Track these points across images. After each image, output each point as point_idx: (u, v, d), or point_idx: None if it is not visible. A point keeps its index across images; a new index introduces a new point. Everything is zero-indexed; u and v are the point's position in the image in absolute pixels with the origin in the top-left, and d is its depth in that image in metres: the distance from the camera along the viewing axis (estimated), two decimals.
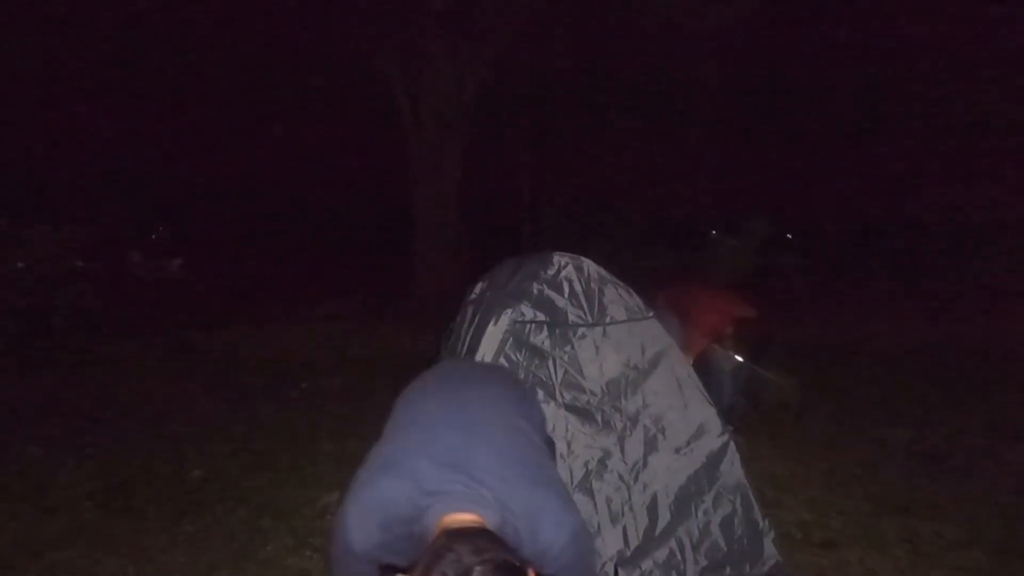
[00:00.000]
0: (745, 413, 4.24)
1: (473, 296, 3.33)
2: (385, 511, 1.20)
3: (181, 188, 13.18)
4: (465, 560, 1.04)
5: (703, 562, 2.26)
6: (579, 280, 2.68)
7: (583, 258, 2.75)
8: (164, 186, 13.04)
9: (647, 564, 2.23)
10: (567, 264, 2.71)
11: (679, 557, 2.26)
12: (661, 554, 2.25)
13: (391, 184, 11.76)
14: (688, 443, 2.44)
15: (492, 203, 12.85)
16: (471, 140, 10.05)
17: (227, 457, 3.70)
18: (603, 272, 2.72)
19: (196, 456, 3.70)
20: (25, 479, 3.35)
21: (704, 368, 3.63)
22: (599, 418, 2.45)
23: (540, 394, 2.43)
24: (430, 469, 1.23)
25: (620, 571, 2.19)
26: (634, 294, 2.70)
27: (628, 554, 2.23)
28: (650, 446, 2.43)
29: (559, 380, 2.48)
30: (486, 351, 2.45)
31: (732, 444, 2.46)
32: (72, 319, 6.85)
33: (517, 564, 1.10)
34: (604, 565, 2.20)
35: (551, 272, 2.69)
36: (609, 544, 2.24)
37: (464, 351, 2.74)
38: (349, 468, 3.52)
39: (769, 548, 2.33)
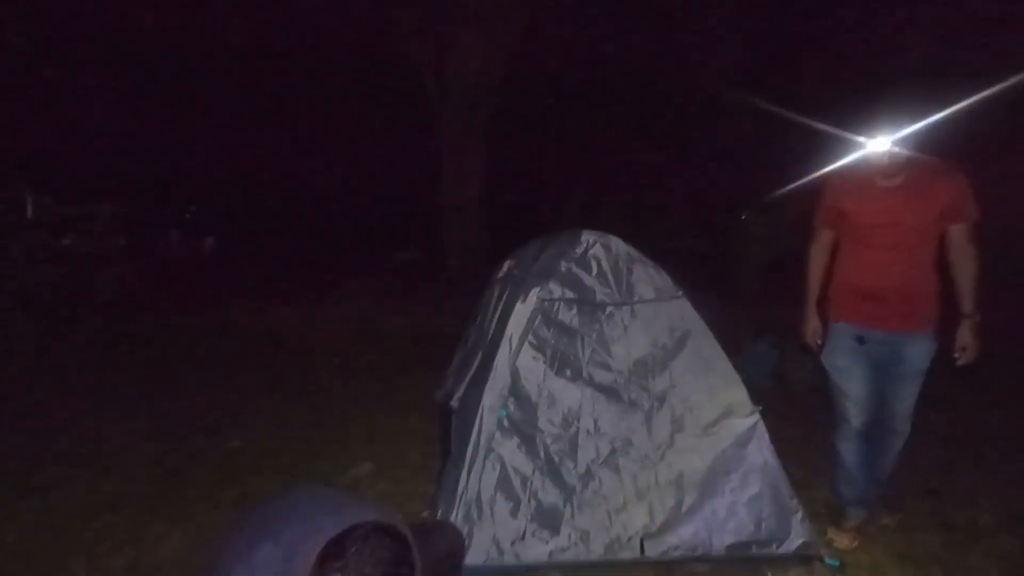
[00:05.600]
0: (775, 394, 4.20)
1: (501, 274, 3.36)
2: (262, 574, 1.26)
3: (213, 168, 13.46)
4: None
5: (729, 540, 2.27)
6: (607, 258, 2.68)
7: (611, 236, 2.74)
8: (197, 166, 13.35)
9: (672, 539, 2.25)
10: (595, 242, 2.71)
11: (705, 535, 2.28)
12: (686, 530, 2.27)
13: (419, 164, 11.81)
14: (716, 422, 2.44)
15: (518, 183, 12.82)
16: (497, 120, 10.05)
17: (262, 430, 3.84)
18: (632, 250, 2.71)
19: (233, 428, 3.85)
20: (80, 447, 3.54)
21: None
22: (626, 397, 2.46)
23: (568, 372, 2.46)
24: (286, 535, 1.29)
25: (646, 544, 2.22)
26: (663, 273, 2.68)
27: (654, 529, 2.26)
28: (677, 425, 2.44)
29: (586, 359, 2.50)
30: (514, 329, 2.48)
31: (761, 424, 2.44)
32: (115, 297, 7.12)
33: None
34: (630, 539, 2.23)
35: (579, 250, 2.69)
36: (635, 519, 2.27)
37: (492, 329, 2.77)
38: (379, 443, 3.64)
39: (797, 528, 2.32)
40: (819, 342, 2.67)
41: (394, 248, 12.21)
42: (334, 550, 1.19)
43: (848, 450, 2.59)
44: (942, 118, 2.41)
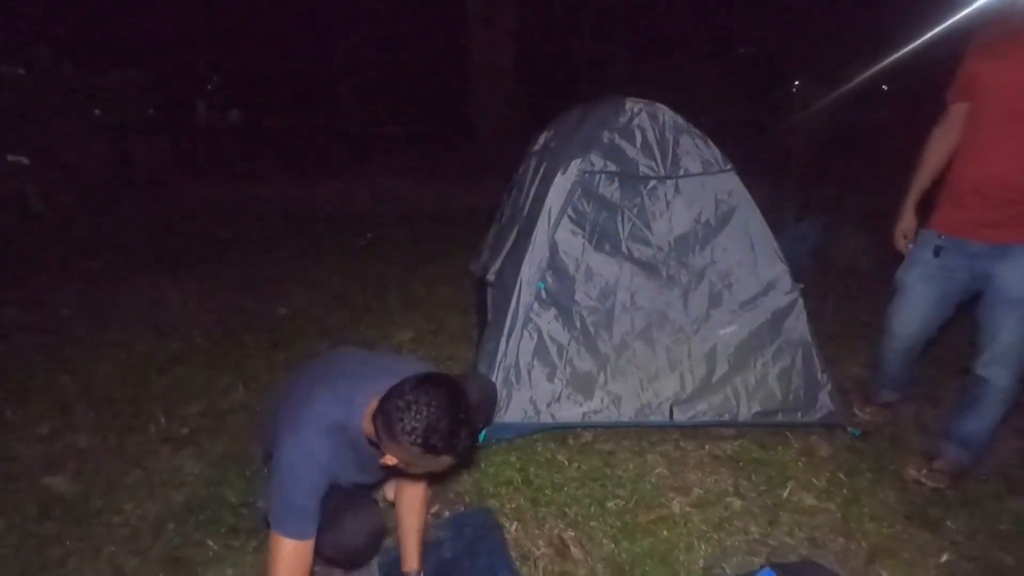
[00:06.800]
0: (815, 273, 4.14)
1: (537, 146, 3.23)
2: (322, 418, 1.41)
3: (237, 36, 12.79)
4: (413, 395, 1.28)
5: (756, 408, 2.37)
6: (653, 129, 2.53)
7: (658, 105, 2.56)
8: (220, 34, 12.68)
9: (701, 406, 2.36)
10: (640, 111, 2.54)
11: (733, 403, 2.38)
12: (716, 399, 2.38)
13: (450, 33, 11.00)
14: (754, 299, 2.44)
15: (551, 52, 11.92)
16: None
17: (307, 298, 4.03)
18: (679, 120, 2.54)
19: (280, 296, 4.05)
20: (140, 309, 3.80)
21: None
22: (664, 272, 2.46)
23: (607, 246, 2.44)
24: (340, 385, 1.47)
25: (675, 410, 2.34)
26: (712, 145, 2.53)
27: (684, 397, 2.37)
28: (715, 301, 2.44)
29: (626, 234, 2.46)
30: (553, 202, 2.43)
31: (800, 301, 2.43)
32: (149, 166, 7.20)
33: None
34: (660, 405, 2.35)
35: (623, 119, 2.54)
36: (666, 387, 2.38)
37: (530, 203, 2.73)
38: (418, 311, 3.78)
39: (824, 399, 2.40)
40: (910, 246, 2.21)
41: (419, 119, 11.88)
42: (395, 395, 1.28)
43: (890, 360, 2.42)
44: None
